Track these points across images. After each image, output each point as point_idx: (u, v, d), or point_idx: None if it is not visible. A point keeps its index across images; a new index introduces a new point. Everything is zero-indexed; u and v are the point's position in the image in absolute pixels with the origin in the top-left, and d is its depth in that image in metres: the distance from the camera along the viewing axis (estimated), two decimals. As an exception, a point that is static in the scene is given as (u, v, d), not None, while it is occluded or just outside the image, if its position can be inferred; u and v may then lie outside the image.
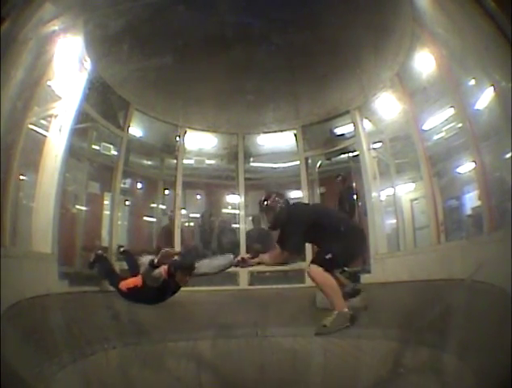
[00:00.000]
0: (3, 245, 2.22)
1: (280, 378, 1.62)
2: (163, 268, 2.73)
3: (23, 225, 2.88)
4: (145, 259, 2.72)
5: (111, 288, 2.97)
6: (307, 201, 4.55)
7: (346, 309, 2.29)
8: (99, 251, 3.47)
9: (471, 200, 3.17)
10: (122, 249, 3.61)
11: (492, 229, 2.75)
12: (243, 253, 3.69)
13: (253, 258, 2.85)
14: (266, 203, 2.78)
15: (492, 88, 2.26)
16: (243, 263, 2.78)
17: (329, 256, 2.50)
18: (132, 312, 2.64)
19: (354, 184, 4.32)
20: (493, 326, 1.38)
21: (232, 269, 3.78)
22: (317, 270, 2.46)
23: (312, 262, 2.57)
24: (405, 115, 3.87)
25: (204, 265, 2.86)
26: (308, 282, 2.75)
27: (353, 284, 2.74)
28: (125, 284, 2.90)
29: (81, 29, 2.84)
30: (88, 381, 1.51)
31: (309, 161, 4.77)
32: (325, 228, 2.60)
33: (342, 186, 4.43)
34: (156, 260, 2.59)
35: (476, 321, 1.46)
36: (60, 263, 3.17)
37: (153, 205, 4.73)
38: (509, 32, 1.22)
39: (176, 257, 2.81)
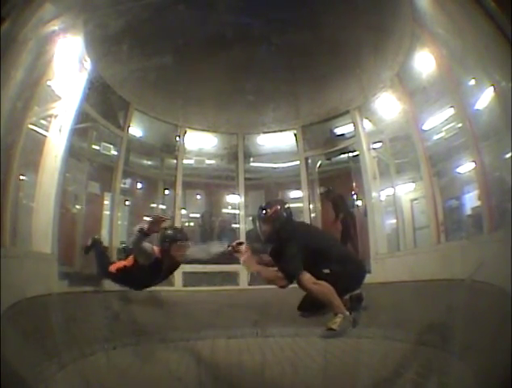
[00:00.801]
0: (3, 245, 2.22)
1: (280, 378, 1.62)
2: (155, 247, 2.61)
3: (23, 225, 2.88)
4: (135, 228, 2.48)
5: (111, 289, 2.97)
6: (307, 201, 4.57)
7: (348, 313, 2.27)
8: (96, 236, 3.46)
9: (471, 200, 3.16)
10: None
11: (492, 229, 2.75)
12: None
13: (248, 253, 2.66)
14: (265, 212, 2.47)
15: (492, 88, 2.25)
16: (236, 251, 2.46)
17: (326, 271, 2.27)
18: (132, 312, 2.64)
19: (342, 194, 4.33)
20: (493, 326, 1.38)
21: (233, 269, 3.81)
22: (309, 279, 2.21)
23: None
24: (405, 115, 3.87)
25: (198, 251, 2.81)
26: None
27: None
28: (115, 266, 2.84)
29: (81, 29, 2.84)
30: (88, 382, 1.51)
31: (309, 161, 4.78)
32: (328, 256, 2.37)
33: (328, 198, 4.45)
34: (146, 226, 2.36)
35: (476, 321, 1.46)
36: (60, 263, 3.17)
37: (153, 205, 4.73)
38: (509, 32, 1.23)
39: (168, 229, 2.68)
